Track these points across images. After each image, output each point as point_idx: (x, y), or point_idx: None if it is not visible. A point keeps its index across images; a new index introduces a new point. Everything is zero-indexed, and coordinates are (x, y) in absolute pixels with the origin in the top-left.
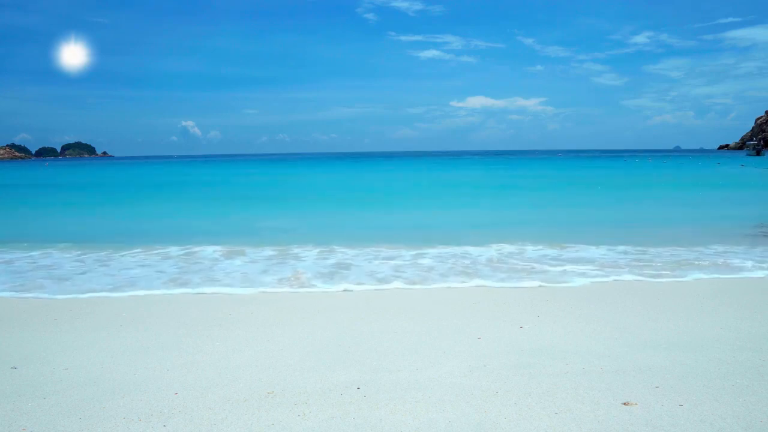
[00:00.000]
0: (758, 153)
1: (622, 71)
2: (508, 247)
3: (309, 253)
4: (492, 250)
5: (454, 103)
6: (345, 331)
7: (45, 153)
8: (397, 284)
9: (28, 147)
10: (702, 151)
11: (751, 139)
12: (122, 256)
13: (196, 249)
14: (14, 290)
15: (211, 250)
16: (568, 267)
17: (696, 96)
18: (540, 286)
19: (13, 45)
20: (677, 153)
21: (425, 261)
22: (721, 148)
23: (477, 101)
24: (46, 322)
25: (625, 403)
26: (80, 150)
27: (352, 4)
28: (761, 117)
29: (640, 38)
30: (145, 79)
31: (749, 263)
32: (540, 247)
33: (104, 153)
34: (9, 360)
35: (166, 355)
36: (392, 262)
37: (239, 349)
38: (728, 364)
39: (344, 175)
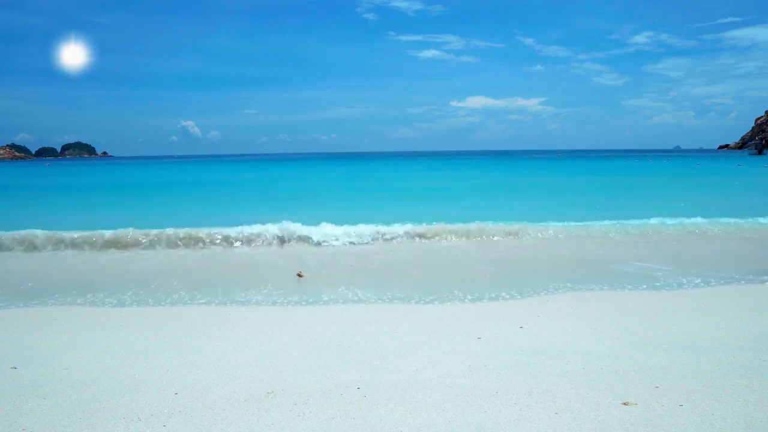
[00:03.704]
0: (759, 152)
1: (622, 71)
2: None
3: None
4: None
5: (454, 103)
6: (345, 331)
7: (45, 153)
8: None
9: (28, 147)
10: (702, 150)
11: (752, 139)
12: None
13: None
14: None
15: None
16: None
17: (696, 96)
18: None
19: (13, 45)
20: (677, 153)
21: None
22: (721, 147)
23: (477, 101)
24: (46, 322)
25: (625, 403)
26: (80, 150)
27: (351, 3)
28: (761, 117)
29: (640, 38)
30: (145, 79)
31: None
32: None
33: (104, 153)
34: (9, 360)
35: (166, 355)
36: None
37: (239, 349)
38: (728, 364)
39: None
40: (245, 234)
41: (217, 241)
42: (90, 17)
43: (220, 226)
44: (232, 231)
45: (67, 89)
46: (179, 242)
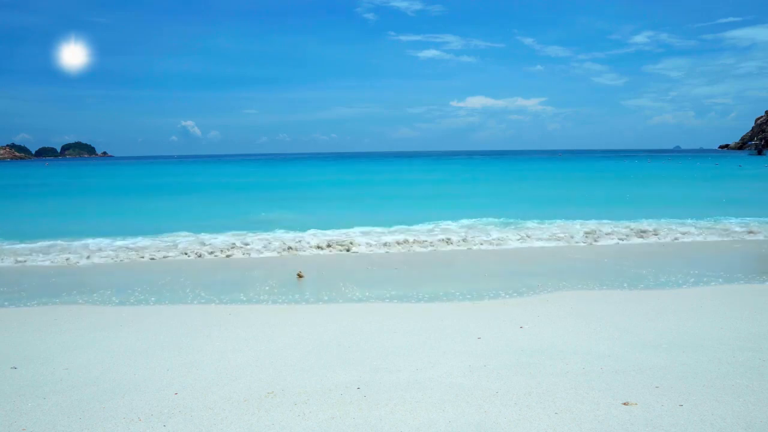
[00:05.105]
0: (759, 152)
1: (622, 71)
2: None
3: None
4: None
5: (454, 103)
6: (345, 331)
7: (45, 153)
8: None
9: (28, 147)
10: (702, 151)
11: (752, 139)
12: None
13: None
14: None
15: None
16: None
17: (696, 96)
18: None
19: (13, 45)
20: (677, 153)
21: None
22: (721, 147)
23: (477, 101)
24: (46, 322)
25: (625, 403)
26: (80, 150)
27: (351, 3)
28: (761, 117)
29: (640, 38)
30: (145, 79)
31: None
32: None
33: (104, 153)
34: (9, 360)
35: (166, 355)
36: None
37: (239, 349)
38: (728, 364)
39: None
40: (247, 236)
41: (218, 242)
42: (90, 17)
43: (220, 226)
44: (233, 232)
45: (67, 89)
46: (175, 246)
